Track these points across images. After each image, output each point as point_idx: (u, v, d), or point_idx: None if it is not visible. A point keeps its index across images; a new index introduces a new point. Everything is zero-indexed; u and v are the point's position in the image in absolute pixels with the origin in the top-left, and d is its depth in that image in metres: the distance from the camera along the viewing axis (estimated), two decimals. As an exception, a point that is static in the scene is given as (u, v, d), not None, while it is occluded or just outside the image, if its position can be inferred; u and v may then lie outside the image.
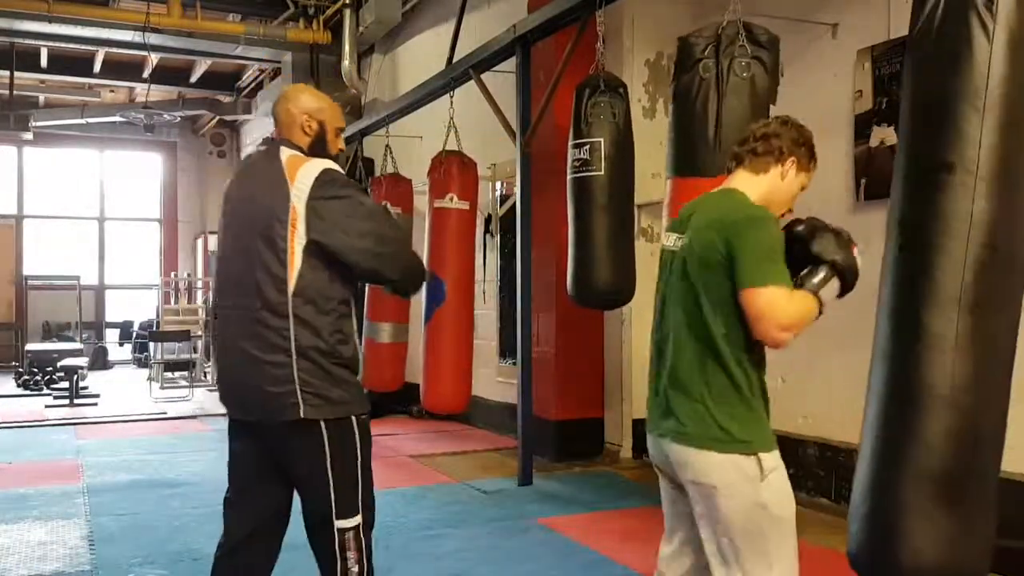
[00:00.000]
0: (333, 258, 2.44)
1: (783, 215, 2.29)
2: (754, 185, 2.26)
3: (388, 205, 2.62)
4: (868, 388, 2.40)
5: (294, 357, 2.42)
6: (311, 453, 2.47)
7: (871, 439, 2.33)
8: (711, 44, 3.69)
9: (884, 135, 4.66)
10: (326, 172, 2.46)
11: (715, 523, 2.14)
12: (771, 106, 3.74)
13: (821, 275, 2.16)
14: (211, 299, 2.84)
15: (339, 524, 2.49)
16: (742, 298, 2.07)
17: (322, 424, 2.45)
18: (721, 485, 2.11)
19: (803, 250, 2.19)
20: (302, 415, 2.42)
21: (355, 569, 2.49)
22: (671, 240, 2.31)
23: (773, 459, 2.13)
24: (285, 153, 2.53)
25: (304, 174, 2.44)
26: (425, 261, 6.21)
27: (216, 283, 2.70)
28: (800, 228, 2.23)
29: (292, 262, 2.41)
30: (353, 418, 2.51)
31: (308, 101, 2.63)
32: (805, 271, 2.17)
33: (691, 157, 3.77)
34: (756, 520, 2.10)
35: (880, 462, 2.28)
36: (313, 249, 2.41)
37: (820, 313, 2.16)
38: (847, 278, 2.19)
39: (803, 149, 2.27)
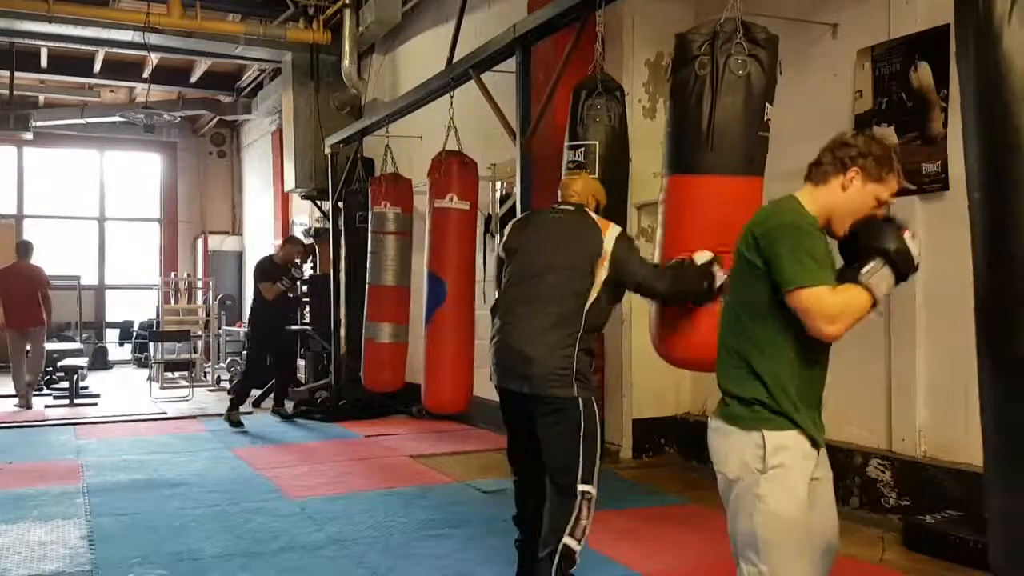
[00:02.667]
0: (619, 288, 3.48)
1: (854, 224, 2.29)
2: (813, 196, 2.28)
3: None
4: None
5: (575, 352, 3.32)
6: (564, 427, 3.34)
7: None
8: (708, 41, 3.65)
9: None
10: (624, 233, 3.52)
11: None
12: (768, 105, 3.71)
13: (869, 265, 2.18)
14: (499, 300, 3.69)
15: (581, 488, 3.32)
16: (787, 299, 2.16)
17: (580, 402, 3.32)
18: None
19: (856, 244, 2.23)
20: (575, 394, 3.30)
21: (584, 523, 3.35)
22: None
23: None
24: (591, 215, 3.55)
25: (611, 231, 3.46)
26: (425, 261, 6.22)
27: (508, 290, 3.61)
28: (855, 225, 2.27)
29: (594, 286, 3.37)
30: (581, 402, 3.34)
31: (592, 187, 3.70)
32: (855, 264, 2.20)
33: (684, 155, 3.76)
34: None
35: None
36: (611, 279, 3.38)
37: (875, 304, 2.18)
38: (900, 267, 2.20)
39: (870, 159, 2.24)
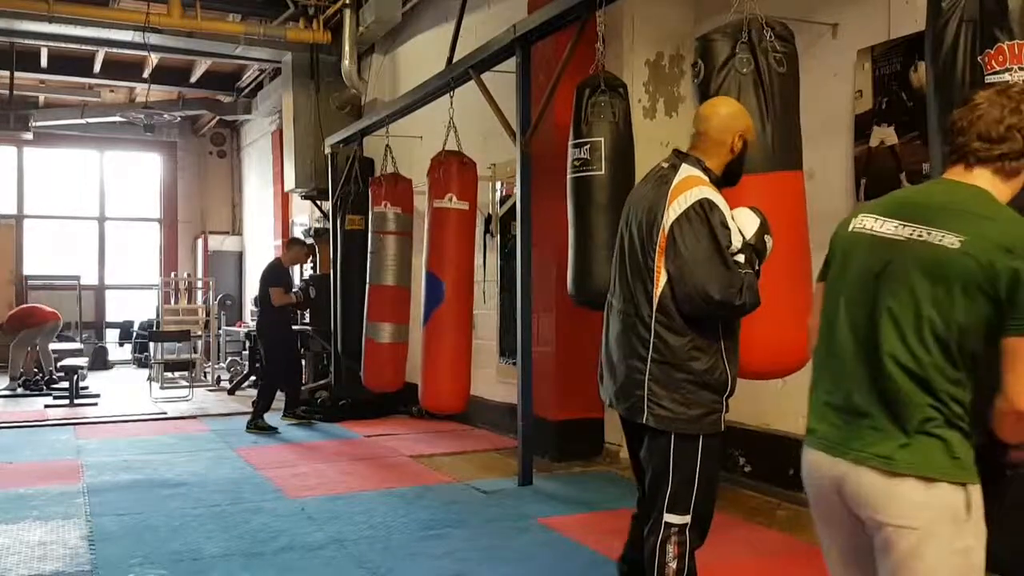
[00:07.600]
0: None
1: None
2: (1001, 194, 1.76)
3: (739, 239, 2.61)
4: None
5: (648, 366, 2.61)
6: (658, 455, 2.68)
7: None
8: (742, 41, 3.68)
9: (884, 135, 4.66)
10: (700, 203, 2.53)
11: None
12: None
13: None
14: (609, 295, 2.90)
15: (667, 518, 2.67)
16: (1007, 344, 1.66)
17: (671, 435, 2.63)
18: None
19: None
20: (643, 421, 2.65)
21: (673, 565, 2.65)
22: (882, 225, 1.80)
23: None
24: (683, 174, 2.62)
25: (682, 202, 2.54)
26: (423, 262, 6.22)
27: (612, 283, 2.85)
28: None
29: (658, 280, 2.58)
30: (701, 437, 2.65)
31: (739, 119, 2.73)
32: None
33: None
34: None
35: None
36: (671, 273, 2.56)
37: None
38: None
39: None
